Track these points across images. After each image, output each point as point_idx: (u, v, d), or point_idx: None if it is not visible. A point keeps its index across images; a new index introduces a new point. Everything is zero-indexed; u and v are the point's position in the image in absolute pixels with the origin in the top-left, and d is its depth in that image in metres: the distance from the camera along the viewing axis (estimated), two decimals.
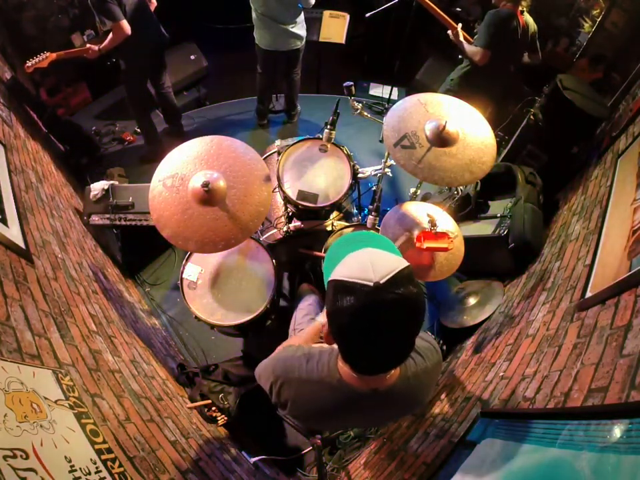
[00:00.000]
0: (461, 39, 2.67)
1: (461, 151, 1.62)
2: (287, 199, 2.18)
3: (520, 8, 2.44)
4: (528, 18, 2.47)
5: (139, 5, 2.62)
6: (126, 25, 2.48)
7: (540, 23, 2.52)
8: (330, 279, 0.81)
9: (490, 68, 2.55)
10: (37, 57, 2.45)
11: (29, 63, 2.45)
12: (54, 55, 2.49)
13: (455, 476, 1.30)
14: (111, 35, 2.51)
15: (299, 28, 2.99)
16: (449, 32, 2.74)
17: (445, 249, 1.60)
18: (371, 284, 0.73)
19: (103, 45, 2.54)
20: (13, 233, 1.47)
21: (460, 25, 2.71)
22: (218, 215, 1.58)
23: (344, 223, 2.24)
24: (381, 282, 0.73)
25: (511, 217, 2.26)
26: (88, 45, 2.55)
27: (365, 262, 0.78)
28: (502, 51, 2.50)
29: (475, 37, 2.61)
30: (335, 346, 1.00)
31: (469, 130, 1.67)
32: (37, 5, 3.17)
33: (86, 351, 1.49)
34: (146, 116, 3.24)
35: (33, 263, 1.50)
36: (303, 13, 2.99)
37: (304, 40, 3.08)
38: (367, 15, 2.80)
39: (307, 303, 1.95)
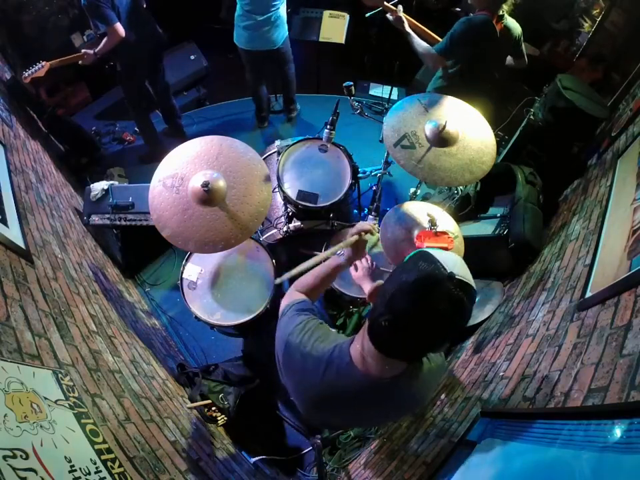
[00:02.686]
0: (407, 27, 2.22)
1: (461, 151, 1.62)
2: (287, 199, 2.18)
3: (499, 12, 2.13)
4: (510, 22, 2.18)
5: (133, 7, 2.61)
6: (120, 28, 2.47)
7: (540, 23, 2.47)
8: (423, 249, 0.86)
9: (465, 80, 2.31)
10: (33, 67, 2.44)
11: (25, 74, 2.43)
12: (49, 64, 2.47)
13: (454, 476, 1.30)
14: (106, 39, 2.51)
15: (278, 28, 2.92)
16: (389, 15, 2.27)
17: (445, 249, 1.60)
18: (447, 270, 0.77)
19: (99, 48, 2.53)
20: (13, 233, 1.47)
21: (400, 7, 2.24)
22: (218, 215, 1.58)
23: (344, 223, 2.24)
24: (455, 277, 0.77)
25: (510, 217, 2.25)
26: (83, 51, 2.54)
27: (456, 259, 0.83)
28: (475, 61, 2.25)
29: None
30: (351, 337, 1.00)
31: (469, 130, 1.67)
32: (37, 4, 3.17)
33: (86, 351, 1.49)
34: (145, 116, 3.24)
35: (33, 263, 1.50)
36: (284, 11, 2.92)
37: (283, 40, 3.00)
38: (367, 14, 2.79)
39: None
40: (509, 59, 2.41)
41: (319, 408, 1.07)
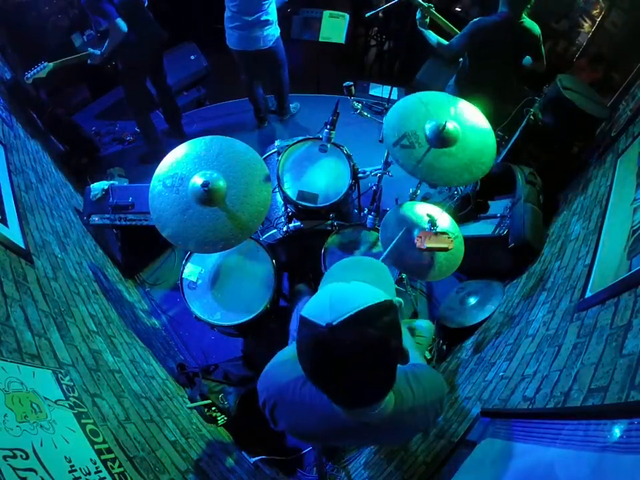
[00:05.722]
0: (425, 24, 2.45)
1: (461, 151, 1.62)
2: (286, 199, 2.18)
3: (520, 13, 2.20)
4: (528, 23, 2.23)
5: (133, 3, 2.60)
6: (121, 23, 2.47)
7: (539, 23, 2.45)
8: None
9: (471, 77, 2.47)
10: (35, 68, 2.44)
11: (28, 74, 2.43)
12: (51, 65, 2.47)
13: (454, 476, 1.30)
14: (109, 37, 2.51)
15: (267, 28, 2.89)
16: (419, 13, 2.45)
17: (445, 249, 1.60)
18: (323, 324, 0.71)
19: (104, 48, 2.54)
20: (13, 233, 1.47)
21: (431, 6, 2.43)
22: (218, 215, 1.58)
23: (344, 223, 2.24)
24: (334, 323, 0.70)
25: (511, 216, 2.25)
26: (90, 50, 2.54)
27: (325, 300, 0.76)
28: (482, 59, 2.37)
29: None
30: None
31: (469, 130, 1.67)
32: (37, 5, 3.17)
33: (86, 351, 1.49)
34: (145, 116, 3.23)
35: (33, 263, 1.50)
36: (274, 11, 2.89)
37: (274, 41, 2.97)
38: (367, 14, 2.79)
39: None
40: (529, 60, 2.42)
41: (311, 441, 1.05)
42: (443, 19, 2.56)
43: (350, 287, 0.80)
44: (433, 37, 2.47)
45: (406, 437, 1.05)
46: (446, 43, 2.43)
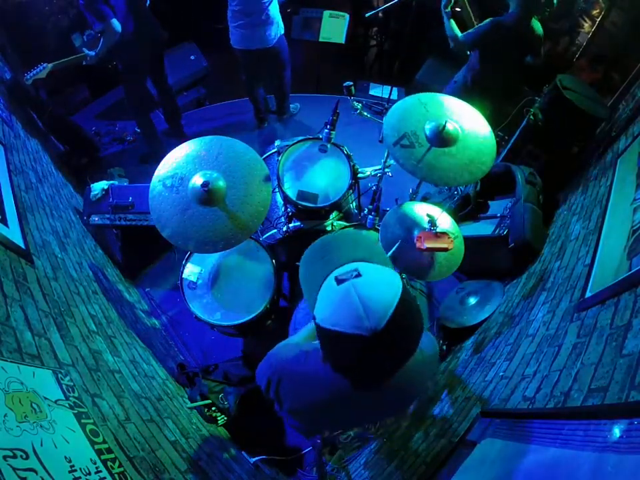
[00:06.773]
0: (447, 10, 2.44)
1: (461, 151, 1.62)
2: (286, 199, 2.18)
3: (532, 15, 2.30)
4: (535, 24, 2.34)
5: (134, 5, 2.60)
6: (116, 24, 2.46)
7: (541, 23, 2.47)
8: (318, 323, 0.78)
9: (484, 76, 2.53)
10: (35, 69, 2.45)
11: (28, 76, 2.44)
12: (51, 66, 2.48)
13: (454, 476, 1.30)
14: (102, 38, 2.51)
15: (270, 26, 2.88)
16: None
17: (445, 249, 1.60)
18: (366, 334, 0.69)
19: (99, 48, 2.54)
20: (13, 233, 1.47)
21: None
22: (218, 215, 1.58)
23: (344, 223, 2.24)
24: (379, 328, 0.69)
25: (510, 217, 2.25)
26: (85, 52, 2.54)
27: (355, 306, 0.71)
28: (493, 59, 2.46)
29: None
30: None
31: (469, 130, 1.67)
32: (37, 5, 3.17)
33: (86, 351, 1.49)
34: (145, 116, 3.23)
35: (33, 263, 1.50)
36: (276, 9, 2.89)
37: (277, 39, 2.97)
38: (367, 14, 2.78)
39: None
40: (528, 58, 2.51)
41: (317, 417, 1.06)
42: (469, 10, 2.60)
43: (369, 282, 0.76)
44: (452, 25, 2.50)
45: (405, 403, 1.08)
46: (460, 35, 2.47)
